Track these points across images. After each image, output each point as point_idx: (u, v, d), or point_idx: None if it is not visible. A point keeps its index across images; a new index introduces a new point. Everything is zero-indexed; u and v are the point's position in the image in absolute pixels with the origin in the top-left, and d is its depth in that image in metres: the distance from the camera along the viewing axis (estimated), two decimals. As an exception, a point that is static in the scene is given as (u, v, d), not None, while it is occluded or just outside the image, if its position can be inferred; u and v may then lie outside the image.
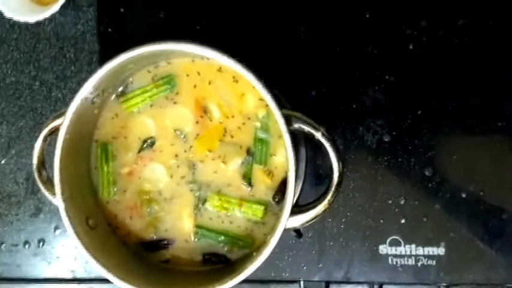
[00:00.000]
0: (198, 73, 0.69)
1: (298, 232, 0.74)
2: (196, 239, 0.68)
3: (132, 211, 0.70)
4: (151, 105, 0.70)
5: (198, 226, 0.68)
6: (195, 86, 0.68)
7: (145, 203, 0.69)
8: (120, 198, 0.70)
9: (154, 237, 0.70)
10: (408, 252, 0.72)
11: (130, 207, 0.70)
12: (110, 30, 0.82)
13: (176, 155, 0.69)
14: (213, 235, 0.68)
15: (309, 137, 0.62)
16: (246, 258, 0.65)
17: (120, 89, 0.70)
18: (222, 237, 0.68)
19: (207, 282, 0.60)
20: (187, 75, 0.69)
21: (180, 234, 0.69)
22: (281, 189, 0.66)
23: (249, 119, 0.67)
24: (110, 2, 0.82)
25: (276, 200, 0.66)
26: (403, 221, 0.74)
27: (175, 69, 0.69)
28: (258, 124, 0.67)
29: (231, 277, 0.60)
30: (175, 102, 0.69)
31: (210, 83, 0.68)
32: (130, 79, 0.70)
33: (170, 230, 0.69)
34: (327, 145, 0.61)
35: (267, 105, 0.62)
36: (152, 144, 0.70)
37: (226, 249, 0.68)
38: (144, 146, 0.70)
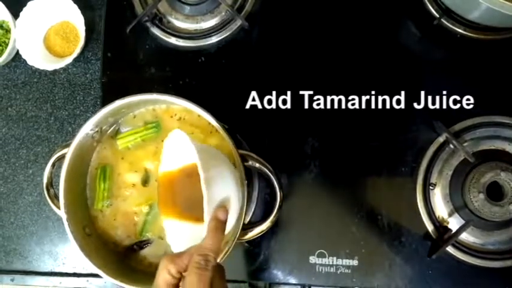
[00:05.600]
0: (180, 118, 0.69)
1: (250, 243, 0.73)
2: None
3: (118, 221, 0.69)
4: (142, 140, 0.69)
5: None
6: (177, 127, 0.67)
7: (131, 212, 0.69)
8: (110, 210, 0.69)
9: (136, 241, 0.68)
10: (331, 263, 0.72)
11: (118, 217, 0.69)
12: (110, 80, 0.81)
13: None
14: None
15: (259, 172, 0.63)
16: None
17: (115, 128, 0.70)
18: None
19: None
20: (170, 118, 0.69)
21: (156, 233, 0.68)
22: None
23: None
24: (112, 58, 0.82)
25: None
26: (328, 239, 0.73)
27: (160, 114, 0.69)
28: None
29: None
30: (162, 140, 0.66)
31: (190, 125, 0.68)
32: (121, 120, 0.70)
33: (151, 231, 0.68)
34: (272, 178, 0.62)
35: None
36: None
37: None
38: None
